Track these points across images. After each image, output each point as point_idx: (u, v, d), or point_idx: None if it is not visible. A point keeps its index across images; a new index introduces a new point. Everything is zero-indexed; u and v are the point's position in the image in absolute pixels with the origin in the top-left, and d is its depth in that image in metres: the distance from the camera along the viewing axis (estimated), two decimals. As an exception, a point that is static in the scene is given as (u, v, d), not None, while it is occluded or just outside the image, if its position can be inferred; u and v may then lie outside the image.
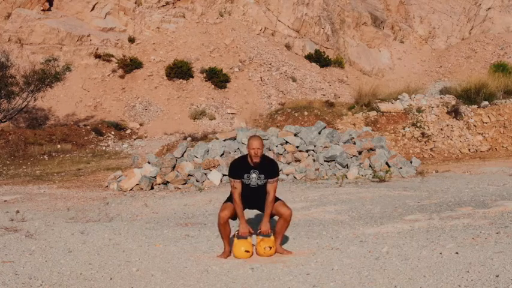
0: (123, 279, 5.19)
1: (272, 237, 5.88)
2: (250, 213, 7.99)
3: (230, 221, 5.91)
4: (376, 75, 39.17)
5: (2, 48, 24.57)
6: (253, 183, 5.78)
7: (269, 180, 5.78)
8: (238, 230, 5.90)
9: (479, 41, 42.15)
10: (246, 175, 5.78)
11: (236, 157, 6.11)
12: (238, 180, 5.77)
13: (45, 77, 23.19)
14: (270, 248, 5.82)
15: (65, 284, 5.04)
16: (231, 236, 5.93)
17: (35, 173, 16.06)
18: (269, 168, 5.81)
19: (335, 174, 12.19)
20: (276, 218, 6.06)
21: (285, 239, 6.42)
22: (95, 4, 32.83)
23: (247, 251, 5.79)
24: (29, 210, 9.34)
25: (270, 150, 12.92)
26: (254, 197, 5.86)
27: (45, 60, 24.58)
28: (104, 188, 12.55)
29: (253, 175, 5.76)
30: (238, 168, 5.81)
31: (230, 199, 5.90)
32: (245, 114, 28.50)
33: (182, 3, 35.73)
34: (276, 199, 5.90)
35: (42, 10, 31.30)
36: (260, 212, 6.14)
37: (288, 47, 36.53)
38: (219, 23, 35.51)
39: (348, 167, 12.44)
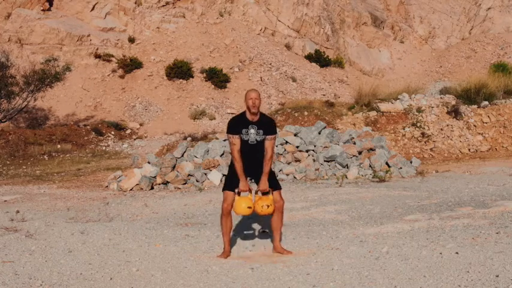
0: (123, 279, 5.19)
1: (270, 196, 5.80)
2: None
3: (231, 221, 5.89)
4: (376, 75, 39.17)
5: (2, 48, 24.58)
6: (251, 139, 5.70)
7: (267, 137, 5.73)
8: (236, 190, 5.79)
9: (479, 41, 42.16)
10: (244, 130, 5.70)
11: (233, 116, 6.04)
12: (236, 136, 5.69)
13: (45, 77, 23.19)
14: (268, 206, 5.74)
15: (65, 284, 5.04)
16: (230, 235, 5.92)
17: (35, 173, 16.06)
18: (267, 124, 5.76)
19: (335, 174, 12.19)
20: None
21: (285, 239, 6.42)
22: (95, 4, 32.84)
23: (249, 207, 5.71)
24: (29, 210, 9.34)
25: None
26: (253, 156, 5.75)
27: (45, 60, 24.58)
28: (104, 188, 12.55)
29: (252, 130, 5.69)
30: (237, 123, 5.74)
31: (228, 185, 5.82)
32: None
33: (182, 3, 35.74)
34: (276, 186, 5.86)
35: (42, 10, 31.30)
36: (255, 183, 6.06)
37: (288, 47, 36.54)
38: (219, 23, 35.52)
39: (348, 167, 12.44)
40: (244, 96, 5.82)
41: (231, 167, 5.87)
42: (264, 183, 5.77)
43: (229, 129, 5.78)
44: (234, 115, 6.12)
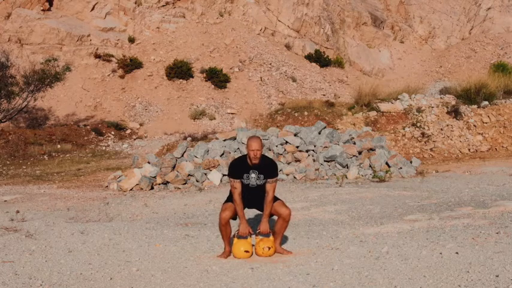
0: (123, 279, 5.19)
1: (271, 238, 5.88)
2: (251, 212, 7.99)
3: (231, 221, 5.91)
4: (376, 75, 39.17)
5: (2, 48, 24.57)
6: (252, 183, 5.79)
7: (268, 180, 5.79)
8: (238, 230, 5.90)
9: (479, 41, 42.16)
10: (245, 175, 5.78)
11: (236, 157, 6.10)
12: (237, 180, 5.77)
13: (45, 77, 23.19)
14: (269, 248, 5.82)
15: (65, 284, 5.04)
16: (231, 236, 5.94)
17: (35, 173, 16.06)
18: (268, 168, 5.82)
19: (335, 174, 12.19)
20: (275, 217, 6.06)
21: (285, 239, 6.42)
22: (95, 4, 32.83)
23: (247, 251, 5.80)
24: (29, 210, 9.35)
25: (270, 150, 12.92)
26: (253, 197, 5.87)
27: (45, 60, 24.59)
28: (104, 188, 12.55)
29: (253, 175, 5.77)
30: (238, 168, 5.82)
31: (230, 199, 5.91)
32: (245, 114, 28.51)
33: (182, 3, 35.73)
34: (276, 199, 5.90)
35: (42, 10, 31.30)
36: (259, 212, 6.15)
37: (288, 47, 36.54)
38: (219, 23, 35.52)
39: (348, 167, 12.43)
40: (246, 143, 5.82)
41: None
42: (265, 225, 5.84)
43: (230, 173, 5.88)
44: (235, 158, 6.19)
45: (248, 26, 36.28)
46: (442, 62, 41.51)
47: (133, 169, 12.53)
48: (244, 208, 5.90)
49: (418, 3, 44.88)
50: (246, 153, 5.87)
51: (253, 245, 5.94)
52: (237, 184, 5.77)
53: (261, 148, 5.71)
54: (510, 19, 43.46)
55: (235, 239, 5.87)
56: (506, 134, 16.10)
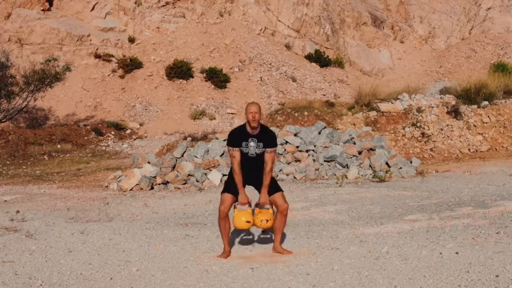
0: (123, 279, 5.19)
1: (270, 210, 5.80)
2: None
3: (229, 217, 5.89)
4: (376, 75, 39.17)
5: (2, 48, 24.57)
6: (251, 152, 5.71)
7: (267, 149, 5.73)
8: (237, 201, 5.80)
9: (479, 41, 42.16)
10: (244, 143, 5.71)
11: (235, 127, 6.05)
12: (236, 149, 5.71)
13: (45, 77, 23.19)
14: (267, 220, 5.74)
15: (65, 284, 5.04)
16: (229, 236, 5.92)
17: (35, 173, 16.06)
18: (267, 137, 5.76)
19: (335, 174, 12.19)
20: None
21: (285, 239, 6.42)
22: (95, 4, 32.84)
23: (248, 222, 5.72)
24: (29, 210, 9.35)
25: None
26: (253, 168, 5.77)
27: (45, 60, 24.59)
28: (104, 188, 12.55)
29: (252, 143, 5.70)
30: (237, 136, 5.75)
31: (227, 188, 5.83)
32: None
33: (182, 3, 35.74)
34: (278, 189, 5.85)
35: (42, 10, 31.30)
36: (257, 192, 6.08)
37: (288, 47, 36.54)
38: (219, 23, 35.52)
39: (348, 167, 12.43)
40: (244, 109, 5.80)
41: (231, 173, 5.88)
42: (264, 196, 5.78)
43: (229, 142, 5.81)
44: (234, 127, 6.13)
45: (248, 26, 36.28)
46: (442, 62, 41.52)
47: (133, 169, 12.53)
48: (244, 185, 5.81)
49: (418, 3, 44.88)
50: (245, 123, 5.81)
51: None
52: (236, 153, 5.71)
53: (259, 112, 5.68)
54: (510, 19, 43.46)
55: (235, 210, 5.78)
56: (506, 134, 16.10)
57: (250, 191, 5.90)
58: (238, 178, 5.72)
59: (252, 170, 5.78)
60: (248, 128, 5.72)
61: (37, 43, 30.04)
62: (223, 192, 5.87)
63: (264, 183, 5.77)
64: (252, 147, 5.70)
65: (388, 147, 13.97)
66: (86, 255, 5.97)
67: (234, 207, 5.83)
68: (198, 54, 32.71)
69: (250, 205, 5.85)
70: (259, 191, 5.88)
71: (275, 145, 5.84)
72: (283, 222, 5.90)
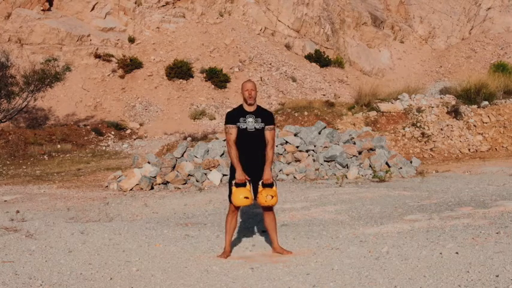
0: (123, 279, 5.19)
1: (275, 188, 5.75)
2: (250, 213, 8.00)
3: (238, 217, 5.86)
4: (376, 75, 39.17)
5: (2, 48, 24.57)
6: (250, 127, 5.65)
7: (266, 127, 5.71)
8: (234, 181, 5.69)
9: (479, 41, 42.17)
10: (241, 119, 5.66)
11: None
12: (233, 126, 5.65)
13: (45, 77, 23.20)
14: (272, 197, 5.68)
15: (65, 284, 5.04)
16: (232, 235, 5.92)
17: (35, 173, 16.06)
18: (265, 114, 5.76)
19: (335, 174, 12.19)
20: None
21: (285, 239, 6.42)
22: (95, 4, 32.84)
23: (247, 198, 5.62)
24: (29, 210, 9.34)
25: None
26: (252, 146, 5.67)
27: (45, 60, 24.59)
28: (104, 188, 12.55)
29: (250, 119, 5.66)
30: (234, 114, 5.74)
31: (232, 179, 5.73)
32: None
33: (182, 3, 35.74)
34: (273, 184, 5.77)
35: (42, 10, 31.30)
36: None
37: (288, 47, 36.55)
38: (219, 23, 35.52)
39: (348, 167, 12.43)
40: (241, 88, 5.76)
41: (232, 167, 5.80)
42: (268, 173, 5.70)
43: (226, 120, 5.75)
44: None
45: (248, 26, 36.28)
46: (442, 62, 41.52)
47: (133, 169, 12.53)
48: (244, 169, 5.64)
49: (418, 3, 44.88)
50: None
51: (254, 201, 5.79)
52: (232, 130, 5.65)
53: (255, 89, 5.66)
54: (510, 19, 43.47)
55: (234, 188, 5.67)
56: (506, 134, 16.10)
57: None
58: (234, 153, 5.63)
59: (252, 149, 5.68)
60: (245, 106, 5.71)
61: (37, 43, 30.04)
62: (230, 183, 5.78)
63: (267, 161, 5.70)
64: (251, 122, 5.65)
65: (388, 147, 13.97)
66: (86, 255, 5.97)
67: (232, 185, 5.71)
68: (198, 54, 32.71)
69: (249, 182, 5.74)
70: (259, 176, 5.74)
71: (274, 123, 5.84)
72: (273, 219, 5.87)
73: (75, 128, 24.69)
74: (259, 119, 5.67)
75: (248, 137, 5.65)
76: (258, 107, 5.79)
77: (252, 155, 5.70)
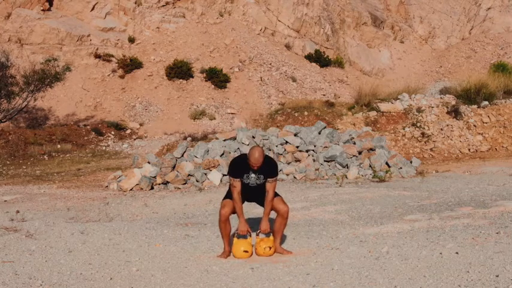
0: (123, 279, 5.18)
1: (271, 237, 5.89)
2: (250, 213, 8.00)
3: (231, 218, 5.93)
4: (376, 75, 39.17)
5: (2, 48, 24.56)
6: (252, 183, 5.85)
7: (268, 179, 5.83)
8: (237, 229, 5.91)
9: (479, 41, 42.15)
10: (245, 175, 5.83)
11: (236, 156, 6.14)
12: (237, 179, 5.81)
13: (45, 77, 23.18)
14: (270, 248, 5.83)
15: (65, 284, 5.04)
16: (231, 235, 5.94)
17: (35, 173, 16.06)
18: (268, 168, 5.84)
19: (335, 174, 12.19)
20: (274, 215, 6.08)
21: (285, 239, 6.42)
22: (95, 4, 32.83)
23: (246, 251, 5.81)
24: (29, 210, 9.34)
25: (270, 150, 12.92)
26: (253, 194, 5.96)
27: (45, 60, 24.58)
28: (104, 188, 12.55)
29: (252, 175, 5.82)
30: (238, 167, 5.85)
31: (229, 196, 5.93)
32: (245, 114, 28.51)
33: (182, 3, 35.73)
34: (275, 194, 5.93)
35: (42, 10, 31.29)
36: (260, 209, 6.18)
37: (288, 47, 36.53)
38: (219, 23, 35.51)
39: (348, 167, 12.43)
40: (249, 152, 5.76)
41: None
42: (265, 224, 5.89)
43: (230, 172, 5.92)
44: (236, 156, 6.25)
45: (248, 26, 36.27)
46: (442, 62, 41.51)
47: (133, 169, 12.53)
48: (243, 202, 5.94)
49: (418, 3, 44.87)
50: (246, 153, 5.91)
51: (253, 245, 5.95)
52: (237, 183, 5.80)
53: (262, 158, 5.70)
54: (510, 19, 43.45)
55: (235, 239, 5.89)
56: (506, 134, 16.10)
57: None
58: (238, 207, 5.83)
59: (253, 196, 5.99)
60: (249, 163, 5.78)
61: (37, 43, 30.03)
62: (224, 198, 5.98)
63: (265, 211, 5.91)
64: (253, 178, 5.84)
65: (388, 147, 13.97)
66: (86, 255, 5.97)
67: (234, 236, 5.92)
68: (198, 54, 32.70)
69: (250, 234, 5.95)
70: (261, 205, 6.03)
71: (276, 174, 5.93)
72: (283, 224, 5.97)
73: (75, 128, 24.68)
74: (262, 176, 5.83)
75: (250, 190, 5.91)
76: (262, 162, 5.76)
77: (254, 198, 6.06)
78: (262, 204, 5.99)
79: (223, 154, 12.77)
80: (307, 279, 4.97)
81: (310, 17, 38.42)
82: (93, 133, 24.36)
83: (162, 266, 5.59)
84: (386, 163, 12.49)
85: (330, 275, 5.04)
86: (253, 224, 7.46)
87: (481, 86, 17.61)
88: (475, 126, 16.53)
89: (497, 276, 4.57)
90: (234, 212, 5.91)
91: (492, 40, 41.76)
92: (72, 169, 16.63)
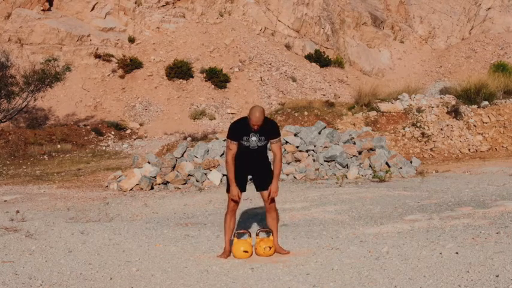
0: (123, 279, 5.19)
1: (271, 237, 5.89)
2: (250, 213, 8.00)
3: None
4: (376, 75, 39.17)
5: (2, 48, 24.56)
6: (253, 145, 5.71)
7: (272, 140, 5.74)
8: (236, 232, 5.93)
9: (479, 41, 42.16)
10: (245, 137, 5.70)
11: (235, 119, 6.04)
12: (235, 142, 5.70)
13: (45, 77, 23.19)
14: (270, 248, 5.84)
15: (65, 284, 5.04)
16: (232, 234, 5.94)
17: (35, 173, 16.06)
18: (269, 128, 5.74)
19: (335, 174, 12.18)
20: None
21: (285, 239, 6.42)
22: (95, 4, 32.83)
23: (246, 251, 5.81)
24: (29, 210, 9.34)
25: (270, 150, 12.90)
26: (254, 160, 5.79)
27: (45, 60, 24.58)
28: (104, 188, 12.55)
29: (253, 138, 5.69)
30: (238, 130, 5.73)
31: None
32: (245, 114, 28.49)
33: (182, 3, 35.73)
34: (272, 200, 5.88)
35: (42, 10, 31.30)
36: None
37: (288, 47, 36.53)
38: (219, 23, 35.51)
39: (348, 167, 12.43)
40: (249, 112, 5.68)
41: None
42: (275, 186, 5.76)
43: (229, 134, 5.78)
44: (236, 119, 6.11)
45: (248, 26, 36.27)
46: (442, 62, 41.51)
47: (133, 169, 12.53)
48: (245, 174, 5.80)
49: (418, 3, 44.88)
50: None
51: (253, 245, 5.95)
52: (233, 146, 5.70)
53: (262, 115, 5.58)
54: (510, 19, 43.46)
55: (235, 239, 5.89)
56: (506, 134, 16.10)
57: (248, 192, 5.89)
58: (230, 170, 5.71)
59: (253, 162, 5.79)
60: (250, 125, 5.69)
61: (37, 43, 30.04)
62: (228, 190, 5.86)
63: (275, 173, 5.79)
64: (254, 141, 5.70)
65: (388, 147, 13.97)
66: (86, 255, 5.97)
67: (234, 236, 5.91)
68: (198, 54, 32.71)
69: (250, 234, 5.98)
70: (259, 181, 5.84)
71: (279, 134, 5.83)
72: (274, 218, 5.91)
73: (75, 128, 24.68)
74: (263, 137, 5.71)
75: (251, 154, 5.74)
76: (263, 121, 5.69)
77: (254, 166, 5.84)
78: (262, 174, 5.79)
79: (223, 154, 12.77)
80: (307, 279, 4.97)
81: (310, 17, 38.42)
82: (93, 133, 24.36)
83: (162, 266, 5.59)
84: (387, 163, 12.49)
85: (330, 275, 5.04)
86: (254, 224, 7.47)
87: (481, 86, 17.60)
88: (475, 126, 16.53)
89: (497, 276, 4.57)
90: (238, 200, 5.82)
91: (492, 40, 41.77)
92: (72, 169, 16.63)
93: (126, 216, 8.77)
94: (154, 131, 26.66)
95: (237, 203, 5.83)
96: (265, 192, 5.82)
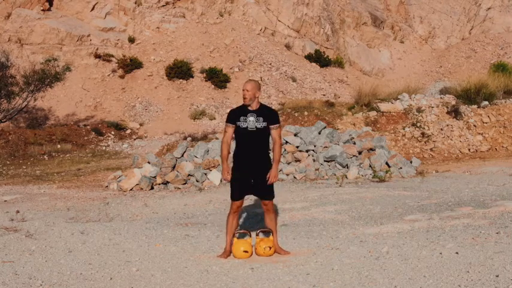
0: (123, 279, 5.19)
1: (271, 237, 5.90)
2: (250, 213, 8.00)
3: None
4: (376, 75, 39.17)
5: (2, 48, 24.56)
6: (250, 126, 5.64)
7: (271, 126, 5.71)
8: (236, 232, 5.93)
9: (479, 41, 42.16)
10: (242, 117, 5.68)
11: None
12: (231, 125, 5.72)
13: (45, 77, 23.19)
14: (270, 248, 5.84)
15: (65, 284, 5.04)
16: (233, 235, 5.94)
17: (35, 173, 16.06)
18: (268, 113, 5.74)
19: (335, 174, 12.18)
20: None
21: (285, 239, 6.42)
22: (95, 4, 32.83)
23: (246, 251, 5.82)
24: (29, 210, 9.34)
25: (269, 150, 12.91)
26: (252, 145, 5.70)
27: (45, 60, 24.58)
28: (104, 188, 12.55)
29: (251, 118, 5.66)
30: (235, 112, 5.78)
31: (234, 180, 5.81)
32: (245, 114, 28.48)
33: (182, 3, 35.73)
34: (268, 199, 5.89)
35: (42, 10, 31.30)
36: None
37: (288, 47, 36.54)
38: (219, 23, 35.51)
39: (348, 167, 12.43)
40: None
41: (235, 165, 5.85)
42: (274, 171, 5.72)
43: (227, 118, 5.84)
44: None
45: (248, 26, 36.27)
46: (442, 62, 41.52)
47: (133, 169, 12.52)
48: (250, 177, 5.72)
49: (418, 3, 44.88)
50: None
51: (253, 245, 5.95)
52: (229, 128, 5.74)
53: (252, 89, 5.61)
54: (510, 19, 43.46)
55: (235, 239, 5.90)
56: (506, 134, 16.10)
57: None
58: (224, 150, 5.75)
59: (251, 148, 5.70)
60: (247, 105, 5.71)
61: (37, 43, 30.04)
62: (232, 197, 5.91)
63: (274, 159, 5.78)
64: (252, 121, 5.64)
65: (388, 147, 13.97)
66: (86, 255, 5.97)
67: (234, 236, 5.93)
68: (198, 54, 32.71)
69: (250, 234, 5.99)
70: (260, 192, 5.87)
71: (278, 121, 5.81)
72: (272, 219, 5.93)
73: (75, 128, 24.68)
74: (261, 118, 5.66)
75: (249, 136, 5.67)
76: (261, 105, 5.78)
77: (252, 155, 5.74)
78: (261, 173, 5.72)
79: (223, 154, 12.76)
80: (307, 279, 4.97)
81: (310, 17, 38.43)
82: (93, 133, 24.36)
83: (162, 266, 5.59)
84: (387, 163, 12.49)
85: (330, 275, 5.04)
86: (253, 223, 7.47)
87: (481, 86, 17.60)
88: (475, 126, 16.53)
89: (497, 276, 4.57)
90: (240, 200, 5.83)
91: (492, 40, 41.78)
92: (72, 169, 16.63)
93: (126, 216, 8.77)
94: (154, 131, 26.66)
95: (240, 204, 5.84)
96: (265, 201, 5.88)
